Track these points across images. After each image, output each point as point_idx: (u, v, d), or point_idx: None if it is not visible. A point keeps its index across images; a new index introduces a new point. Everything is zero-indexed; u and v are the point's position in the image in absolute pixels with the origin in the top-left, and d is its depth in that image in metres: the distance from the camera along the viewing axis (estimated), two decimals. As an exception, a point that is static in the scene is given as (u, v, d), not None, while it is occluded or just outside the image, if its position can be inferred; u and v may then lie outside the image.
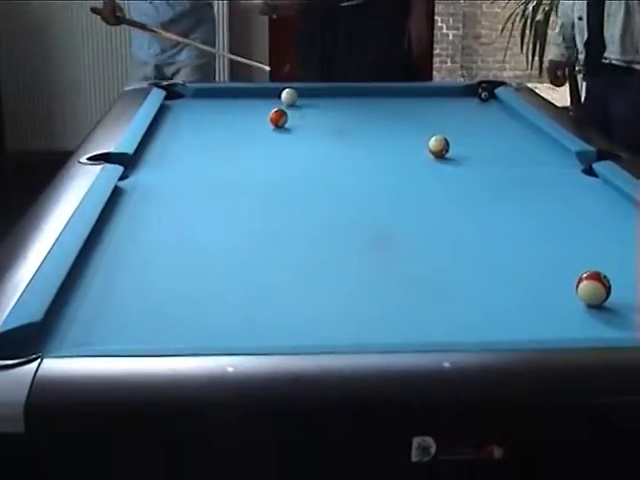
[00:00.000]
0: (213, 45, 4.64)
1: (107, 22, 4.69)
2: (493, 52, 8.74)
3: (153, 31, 4.50)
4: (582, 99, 6.04)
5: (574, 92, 5.94)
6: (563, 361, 1.55)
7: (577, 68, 4.31)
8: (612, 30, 3.86)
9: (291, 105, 3.47)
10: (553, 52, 4.33)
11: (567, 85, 6.18)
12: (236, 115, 3.50)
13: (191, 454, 1.44)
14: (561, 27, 4.23)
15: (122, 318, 1.75)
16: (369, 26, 4.71)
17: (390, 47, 4.84)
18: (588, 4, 3.92)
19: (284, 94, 3.52)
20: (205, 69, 4.58)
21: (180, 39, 4.49)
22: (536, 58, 6.18)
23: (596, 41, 3.94)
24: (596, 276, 1.80)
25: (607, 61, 3.92)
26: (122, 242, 2.14)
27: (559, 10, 4.32)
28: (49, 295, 1.73)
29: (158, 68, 4.59)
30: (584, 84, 5.96)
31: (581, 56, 4.06)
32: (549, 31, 6.04)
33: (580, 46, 4.04)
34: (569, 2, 4.16)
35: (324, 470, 1.47)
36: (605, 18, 3.86)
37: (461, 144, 2.89)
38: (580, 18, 3.98)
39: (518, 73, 7.88)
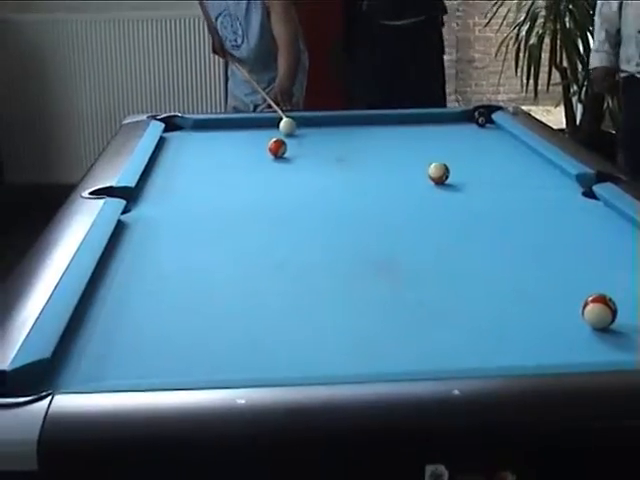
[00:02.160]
0: (300, 94, 4.58)
1: (217, 54, 4.73)
2: (487, 76, 8.76)
3: (239, 69, 4.50)
4: (577, 121, 6.11)
5: (570, 113, 5.97)
6: (573, 385, 1.55)
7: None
8: None
9: (290, 135, 3.48)
10: (600, 59, 4.30)
11: (562, 107, 6.24)
12: (235, 146, 3.52)
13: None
14: (606, 34, 4.23)
15: (131, 352, 1.76)
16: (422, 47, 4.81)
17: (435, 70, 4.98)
18: None
19: (282, 124, 3.53)
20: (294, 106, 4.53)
21: (248, 78, 4.45)
22: (531, 81, 6.21)
23: None
24: (602, 299, 1.81)
25: None
26: (128, 276, 2.15)
27: (600, 17, 4.29)
28: (58, 331, 1.74)
29: (255, 108, 4.55)
30: (579, 106, 6.03)
31: (638, 68, 4.06)
32: (542, 54, 6.09)
33: (637, 59, 4.06)
34: (613, 9, 4.17)
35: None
36: None
37: (461, 170, 2.90)
38: None
39: (512, 96, 7.90)
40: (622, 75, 4.24)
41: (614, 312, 1.80)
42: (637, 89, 4.17)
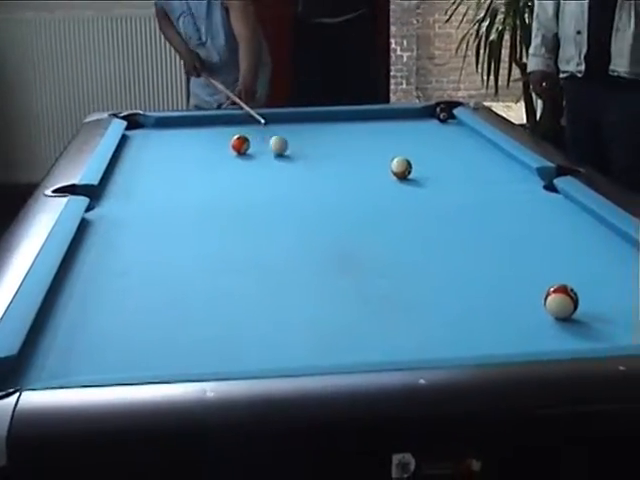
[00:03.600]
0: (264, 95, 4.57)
1: (189, 74, 4.71)
2: (447, 73, 8.81)
3: (212, 83, 4.48)
4: (537, 116, 6.17)
5: (530, 109, 6.04)
6: (537, 375, 1.57)
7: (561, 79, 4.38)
8: (620, 44, 3.98)
9: (280, 155, 3.25)
10: (537, 63, 4.39)
11: (522, 102, 6.30)
12: (198, 143, 3.53)
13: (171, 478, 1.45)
14: (543, 38, 4.31)
15: (97, 347, 1.76)
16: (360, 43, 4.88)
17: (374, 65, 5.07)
18: (590, 19, 4.01)
19: (274, 141, 3.28)
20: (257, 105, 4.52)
21: (222, 89, 4.40)
22: (491, 77, 6.25)
23: (600, 54, 4.04)
24: (563, 289, 1.84)
25: (614, 74, 4.03)
26: (92, 273, 2.15)
27: (536, 22, 4.38)
28: (24, 328, 1.74)
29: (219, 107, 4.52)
30: (539, 101, 6.09)
31: (578, 67, 4.14)
32: (502, 50, 6.14)
33: (577, 59, 4.13)
34: (549, 15, 4.25)
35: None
36: (614, 32, 3.97)
37: (423, 165, 2.93)
38: (579, 32, 4.07)
39: (473, 93, 7.95)
40: (563, 75, 4.34)
41: (575, 302, 1.83)
42: (577, 88, 4.28)
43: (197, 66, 4.50)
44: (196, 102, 4.68)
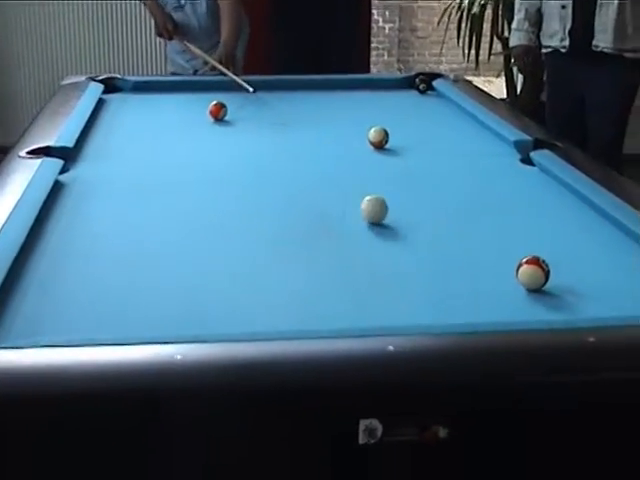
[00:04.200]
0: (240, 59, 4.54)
1: (160, 37, 4.64)
2: (429, 45, 8.79)
3: (188, 47, 4.42)
4: (518, 91, 6.17)
5: (510, 83, 6.04)
6: (505, 344, 1.58)
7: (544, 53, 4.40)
8: (604, 19, 4.05)
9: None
10: (520, 37, 4.42)
11: (503, 77, 6.29)
12: (175, 108, 3.51)
13: (139, 442, 1.45)
14: (526, 13, 4.32)
15: (66, 309, 1.75)
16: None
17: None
18: None
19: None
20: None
21: (200, 53, 4.35)
22: (472, 51, 6.24)
23: (584, 29, 4.09)
24: (535, 261, 1.84)
25: (597, 49, 4.05)
26: (64, 235, 2.13)
27: None
28: (-7, 288, 1.73)
29: (196, 72, 4.49)
30: (519, 76, 6.08)
31: (562, 43, 4.16)
32: (484, 24, 6.12)
33: (561, 34, 4.17)
34: None
35: (272, 455, 1.48)
36: (597, 7, 4.03)
37: (401, 135, 2.92)
38: (564, 7, 4.12)
39: (455, 66, 7.93)
40: (545, 50, 4.36)
41: (547, 273, 1.83)
42: (560, 63, 4.31)
43: (169, 29, 4.42)
44: (173, 68, 4.65)
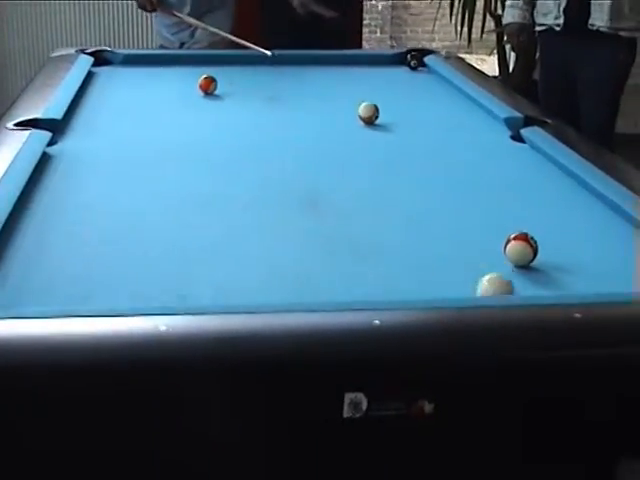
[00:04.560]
0: (229, 27, 4.51)
1: (144, 9, 4.52)
2: (422, 23, 8.76)
3: (179, 17, 4.35)
4: (510, 69, 6.16)
5: (503, 61, 6.03)
6: (491, 318, 1.57)
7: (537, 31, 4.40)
8: None
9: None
10: (514, 15, 4.42)
11: (495, 55, 6.28)
12: (165, 82, 3.49)
13: (124, 413, 1.44)
14: None
15: (52, 280, 1.75)
16: None
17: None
18: None
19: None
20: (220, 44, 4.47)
21: (196, 23, 4.30)
22: (465, 29, 6.22)
23: (579, 8, 4.10)
24: (524, 237, 1.84)
25: (594, 28, 4.07)
26: (51, 207, 2.12)
27: None
28: (-22, 258, 1.72)
29: (182, 45, 4.48)
30: (512, 54, 6.07)
31: (557, 21, 4.16)
32: (477, 2, 6.10)
33: (555, 12, 4.18)
34: None
35: (256, 428, 1.47)
36: None
37: (391, 111, 2.91)
38: None
39: (447, 44, 7.90)
40: (539, 28, 4.35)
41: (535, 250, 1.83)
42: (554, 41, 4.31)
43: (152, 1, 4.31)
44: (161, 41, 4.62)
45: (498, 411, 1.52)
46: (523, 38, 4.47)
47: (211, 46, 4.37)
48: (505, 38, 5.43)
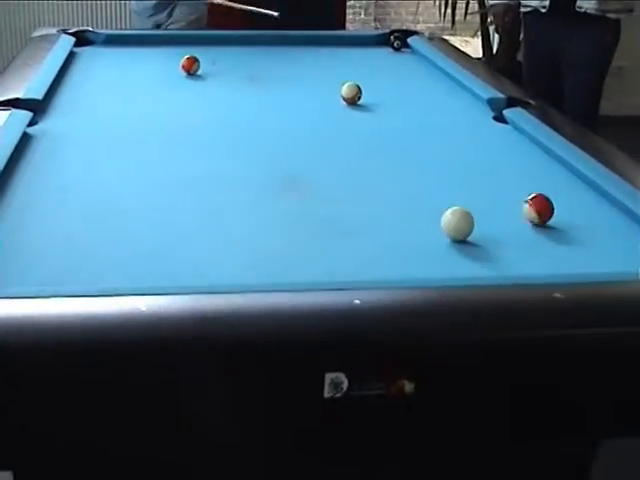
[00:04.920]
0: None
1: None
2: (406, 4, 8.71)
3: None
4: (494, 51, 6.15)
5: (486, 43, 6.02)
6: (470, 298, 1.57)
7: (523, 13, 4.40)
8: None
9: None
10: None
11: (479, 37, 6.27)
12: (147, 62, 3.47)
13: (105, 394, 1.44)
14: None
15: (32, 260, 1.74)
16: None
17: None
18: None
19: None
20: (197, 24, 4.46)
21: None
22: (448, 11, 6.21)
23: None
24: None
25: (581, 10, 4.07)
26: (31, 186, 2.11)
27: None
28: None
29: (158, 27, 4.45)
30: (496, 36, 6.06)
31: (543, 2, 4.18)
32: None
33: None
34: None
35: (236, 407, 1.47)
36: None
37: (374, 91, 2.90)
38: None
39: (431, 25, 7.86)
40: (524, 10, 4.35)
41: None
42: (539, 23, 4.30)
43: None
44: (138, 24, 4.57)
45: (480, 390, 1.53)
46: (508, 19, 4.46)
47: (189, 25, 4.35)
48: (490, 19, 5.43)
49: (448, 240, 1.85)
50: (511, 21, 4.46)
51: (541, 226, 1.93)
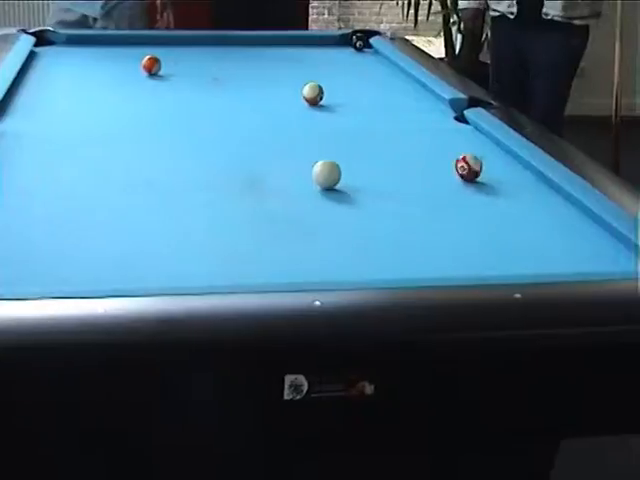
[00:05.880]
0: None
1: None
2: (370, 5, 8.74)
3: None
4: (456, 51, 6.18)
5: (449, 43, 6.06)
6: (433, 299, 1.58)
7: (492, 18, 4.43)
8: None
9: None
10: (469, 1, 4.44)
11: (442, 37, 6.30)
12: (108, 62, 3.44)
13: (64, 395, 1.43)
14: None
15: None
16: None
17: None
18: None
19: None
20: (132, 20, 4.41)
21: None
22: (411, 11, 6.23)
23: None
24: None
25: (548, 17, 4.12)
26: (-10, 188, 2.09)
27: None
28: None
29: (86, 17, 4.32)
30: (458, 36, 6.10)
31: (510, 9, 4.22)
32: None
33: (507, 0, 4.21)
34: None
35: (195, 409, 1.47)
36: None
37: (336, 92, 2.90)
38: None
39: (395, 25, 7.90)
40: (493, 14, 4.39)
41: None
42: (507, 29, 4.35)
43: None
44: (61, 17, 4.34)
45: (439, 392, 1.53)
46: (478, 23, 4.51)
47: (130, 20, 4.31)
48: (456, 21, 5.48)
49: (408, 242, 1.85)
50: (480, 25, 4.52)
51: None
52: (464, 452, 1.66)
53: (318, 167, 2.11)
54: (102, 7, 4.21)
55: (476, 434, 1.58)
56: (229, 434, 1.49)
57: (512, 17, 4.25)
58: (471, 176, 2.16)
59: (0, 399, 1.41)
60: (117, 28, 4.21)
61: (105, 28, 4.11)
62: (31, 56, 3.37)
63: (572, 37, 4.23)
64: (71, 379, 1.43)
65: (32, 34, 3.65)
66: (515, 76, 4.37)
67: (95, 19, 4.28)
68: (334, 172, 2.11)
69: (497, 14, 4.36)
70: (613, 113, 4.72)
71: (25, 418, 1.44)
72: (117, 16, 4.25)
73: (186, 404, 1.46)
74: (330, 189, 2.10)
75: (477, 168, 2.16)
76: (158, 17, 4.42)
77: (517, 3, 4.22)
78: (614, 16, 4.73)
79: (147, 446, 1.49)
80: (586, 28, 4.27)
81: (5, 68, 3.04)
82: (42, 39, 3.64)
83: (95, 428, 1.46)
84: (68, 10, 4.33)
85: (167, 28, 4.40)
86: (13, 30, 3.74)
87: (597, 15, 4.27)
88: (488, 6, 4.43)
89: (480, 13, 4.48)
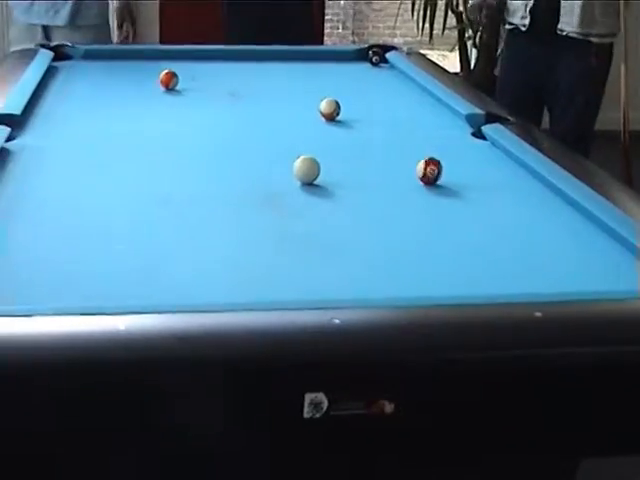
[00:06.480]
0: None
1: None
2: (384, 18, 8.76)
3: None
4: (471, 66, 6.18)
5: (464, 57, 6.06)
6: (450, 317, 1.57)
7: (506, 23, 4.36)
8: (570, 1, 3.95)
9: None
10: None
11: (457, 51, 6.30)
12: (126, 77, 3.46)
13: (84, 412, 1.43)
14: None
15: (12, 278, 1.72)
16: None
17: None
18: None
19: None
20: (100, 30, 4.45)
21: None
22: (427, 25, 6.23)
23: (547, 9, 4.02)
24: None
25: (563, 33, 4.00)
26: (10, 203, 2.10)
27: None
28: None
29: (46, 30, 4.34)
30: (473, 51, 6.09)
31: (522, 21, 4.12)
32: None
33: (522, 11, 4.12)
34: None
35: (215, 428, 1.47)
36: None
37: (353, 107, 2.90)
38: None
39: (409, 39, 7.92)
40: (508, 27, 4.30)
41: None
42: (520, 42, 4.23)
43: None
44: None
45: (459, 411, 1.53)
46: (484, 14, 4.39)
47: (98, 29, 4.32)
48: (469, 16, 5.43)
49: (427, 259, 1.85)
50: (489, 18, 4.44)
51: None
52: (485, 469, 1.65)
53: (298, 163, 2.23)
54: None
55: (496, 453, 1.58)
56: (249, 452, 1.49)
57: (524, 29, 4.14)
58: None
59: (21, 416, 1.42)
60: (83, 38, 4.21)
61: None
62: (50, 71, 3.39)
63: (590, 55, 4.03)
64: (90, 396, 1.43)
65: (51, 49, 3.67)
66: (521, 95, 4.17)
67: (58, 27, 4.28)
68: (313, 168, 2.23)
69: (511, 27, 4.27)
70: (622, 127, 4.60)
71: (47, 436, 1.44)
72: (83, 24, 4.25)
73: (205, 421, 1.46)
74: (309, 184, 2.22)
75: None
76: (116, 30, 4.44)
77: (530, 15, 4.08)
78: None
79: (167, 458, 1.49)
80: (608, 47, 4.10)
81: (24, 83, 3.06)
82: (60, 54, 3.66)
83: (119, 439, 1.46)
84: (28, 28, 4.31)
85: (125, 40, 4.44)
86: (32, 45, 3.76)
87: (614, 35, 4.11)
88: (505, 21, 4.35)
89: (486, 5, 4.37)
